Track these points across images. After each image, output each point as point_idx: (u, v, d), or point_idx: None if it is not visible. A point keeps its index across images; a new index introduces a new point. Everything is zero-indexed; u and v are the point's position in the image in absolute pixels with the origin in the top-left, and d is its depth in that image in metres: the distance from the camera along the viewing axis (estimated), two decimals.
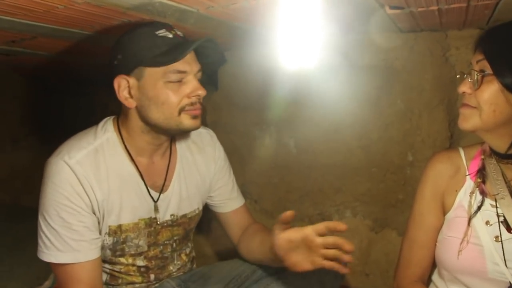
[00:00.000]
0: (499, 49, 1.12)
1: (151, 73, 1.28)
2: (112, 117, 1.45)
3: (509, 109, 1.10)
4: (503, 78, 1.09)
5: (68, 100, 2.90)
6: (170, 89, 1.29)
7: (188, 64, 1.30)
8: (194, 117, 1.35)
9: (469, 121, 1.16)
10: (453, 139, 1.92)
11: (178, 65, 1.28)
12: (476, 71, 1.13)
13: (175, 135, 1.46)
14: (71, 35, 1.47)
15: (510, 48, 1.11)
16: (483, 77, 1.12)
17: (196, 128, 1.37)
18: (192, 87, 1.31)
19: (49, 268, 1.70)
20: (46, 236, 1.29)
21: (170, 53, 1.27)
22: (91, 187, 1.31)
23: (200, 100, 1.35)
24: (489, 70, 1.11)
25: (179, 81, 1.30)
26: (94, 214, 1.33)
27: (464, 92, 1.17)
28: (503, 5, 1.35)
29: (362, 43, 1.99)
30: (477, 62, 1.15)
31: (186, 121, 1.33)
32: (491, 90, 1.11)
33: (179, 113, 1.32)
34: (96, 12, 1.22)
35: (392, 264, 2.07)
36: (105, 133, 1.39)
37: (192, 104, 1.32)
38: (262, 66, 2.18)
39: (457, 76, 1.23)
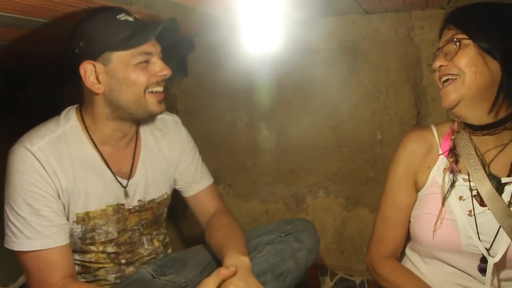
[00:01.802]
0: (473, 19, 1.19)
1: (119, 56, 1.29)
2: (75, 106, 1.45)
3: (487, 70, 1.14)
4: (479, 41, 1.15)
5: (35, 92, 2.84)
6: (141, 69, 1.32)
7: (153, 46, 1.33)
8: (160, 102, 1.39)
9: (453, 93, 1.19)
10: (420, 116, 1.97)
11: (145, 47, 1.30)
12: (454, 41, 1.18)
13: (141, 119, 1.46)
14: (34, 24, 1.44)
15: (481, 18, 1.18)
16: (460, 44, 1.17)
17: (162, 111, 1.41)
18: (159, 66, 1.35)
19: (18, 270, 1.67)
20: (14, 225, 1.29)
21: (138, 35, 1.28)
22: (55, 173, 1.31)
23: (164, 79, 1.39)
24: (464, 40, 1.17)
25: (146, 62, 1.33)
26: (59, 199, 1.34)
27: (440, 66, 1.21)
28: None
29: (329, 25, 2.01)
30: (449, 38, 1.20)
31: (152, 104, 1.36)
32: (470, 53, 1.15)
33: (145, 93, 1.34)
34: (60, 0, 1.20)
35: (365, 240, 2.13)
36: (68, 122, 1.39)
37: (157, 83, 1.36)
38: (231, 51, 2.19)
39: (426, 64, 1.27)
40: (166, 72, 1.36)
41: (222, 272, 1.25)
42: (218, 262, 1.50)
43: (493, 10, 1.19)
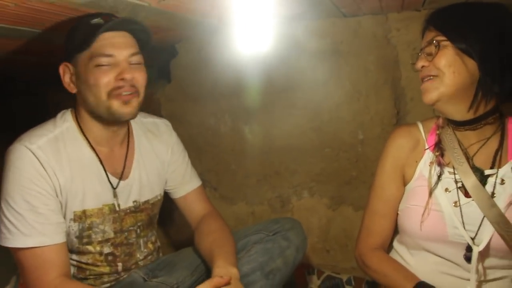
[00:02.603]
0: (451, 21, 1.25)
1: (81, 58, 1.32)
2: (70, 108, 1.48)
3: (465, 69, 1.21)
4: (457, 42, 1.21)
5: (16, 101, 2.83)
6: (99, 72, 1.31)
7: (116, 48, 1.31)
8: (125, 103, 1.35)
9: (432, 91, 1.25)
10: (400, 115, 2.03)
11: (104, 49, 1.30)
12: (434, 43, 1.24)
13: (113, 121, 1.42)
14: (20, 33, 1.45)
15: (459, 20, 1.24)
16: (439, 46, 1.23)
17: (129, 114, 1.37)
18: (119, 69, 1.32)
19: (11, 270, 1.68)
20: (10, 221, 1.29)
21: (88, 36, 1.29)
22: (53, 171, 1.34)
23: (133, 83, 1.35)
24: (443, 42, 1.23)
25: (109, 65, 1.32)
26: (57, 197, 1.36)
27: (422, 66, 1.27)
28: None
29: (310, 29, 2.06)
30: (429, 40, 1.26)
31: (115, 106, 1.34)
32: (448, 55, 1.22)
33: (108, 97, 1.33)
34: (48, 10, 1.21)
35: (350, 238, 2.17)
36: (64, 123, 1.43)
37: (119, 87, 1.32)
38: (214, 56, 2.22)
39: (410, 63, 1.33)
40: (127, 76, 1.32)
41: (216, 280, 1.27)
42: (208, 264, 1.53)
43: (470, 11, 1.25)
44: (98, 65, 1.30)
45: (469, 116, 1.26)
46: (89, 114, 1.41)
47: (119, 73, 1.32)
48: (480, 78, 1.20)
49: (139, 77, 1.37)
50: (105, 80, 1.31)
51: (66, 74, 1.37)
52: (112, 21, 1.29)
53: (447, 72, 1.21)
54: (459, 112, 1.27)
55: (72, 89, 1.38)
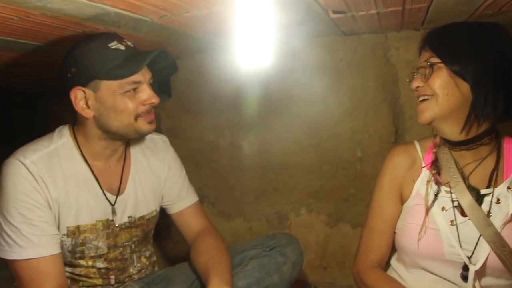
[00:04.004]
0: (446, 43, 1.27)
1: (107, 85, 1.33)
2: (68, 124, 1.49)
3: (458, 91, 1.22)
4: (451, 65, 1.22)
5: (16, 114, 2.84)
6: (128, 98, 1.35)
7: (142, 74, 1.36)
8: (150, 122, 1.42)
9: (427, 111, 1.27)
10: (398, 133, 2.04)
11: (134, 77, 1.34)
12: (428, 64, 1.26)
13: (132, 139, 1.51)
14: (23, 46, 1.47)
15: (454, 41, 1.26)
16: (433, 68, 1.25)
17: (152, 130, 1.46)
18: (147, 95, 1.38)
19: (10, 282, 1.68)
20: (7, 234, 1.32)
21: (125, 66, 1.32)
22: (46, 185, 1.35)
23: (155, 105, 1.42)
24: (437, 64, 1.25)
25: (134, 90, 1.36)
26: (51, 209, 1.37)
27: (417, 87, 1.29)
28: (433, 8, 1.49)
29: (310, 46, 2.08)
30: (425, 61, 1.28)
31: (143, 126, 1.40)
32: (442, 76, 1.23)
33: (136, 119, 1.38)
34: (51, 23, 1.23)
35: (348, 255, 2.17)
36: (61, 138, 1.44)
37: (147, 111, 1.40)
38: (214, 72, 2.24)
39: (407, 81, 1.35)
40: (155, 100, 1.39)
41: None
42: (203, 281, 1.52)
43: (466, 32, 1.27)
44: (126, 91, 1.34)
45: (462, 137, 1.28)
46: (98, 133, 1.41)
47: (148, 98, 1.38)
48: (473, 100, 1.22)
49: (158, 100, 1.42)
50: (135, 105, 1.36)
51: (80, 99, 1.35)
52: (150, 53, 1.33)
53: (441, 94, 1.23)
54: (453, 133, 1.28)
55: (88, 114, 1.36)
